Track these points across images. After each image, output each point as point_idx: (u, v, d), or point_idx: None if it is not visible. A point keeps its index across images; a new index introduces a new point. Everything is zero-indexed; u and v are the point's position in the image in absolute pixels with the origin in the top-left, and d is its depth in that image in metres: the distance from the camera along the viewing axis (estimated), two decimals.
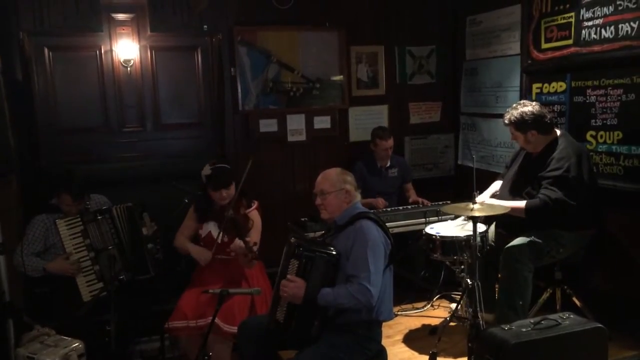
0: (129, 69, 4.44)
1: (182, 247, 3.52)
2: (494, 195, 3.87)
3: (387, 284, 2.83)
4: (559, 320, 2.78)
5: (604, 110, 3.78)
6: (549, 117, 3.58)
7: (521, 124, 3.56)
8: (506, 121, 3.64)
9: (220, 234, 3.33)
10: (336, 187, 2.89)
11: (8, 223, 3.57)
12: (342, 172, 2.98)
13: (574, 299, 3.71)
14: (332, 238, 2.91)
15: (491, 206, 3.47)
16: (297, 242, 2.75)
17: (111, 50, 4.40)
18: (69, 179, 3.56)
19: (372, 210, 2.98)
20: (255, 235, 3.33)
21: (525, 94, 4.48)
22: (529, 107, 3.57)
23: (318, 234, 4.05)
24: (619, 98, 3.67)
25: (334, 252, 2.73)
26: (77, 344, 3.05)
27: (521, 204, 3.48)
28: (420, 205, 4.70)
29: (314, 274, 2.69)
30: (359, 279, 2.63)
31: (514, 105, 3.66)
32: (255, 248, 3.11)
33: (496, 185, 3.96)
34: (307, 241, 2.84)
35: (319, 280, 2.69)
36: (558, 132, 3.65)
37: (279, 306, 2.78)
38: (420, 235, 3.98)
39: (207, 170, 3.43)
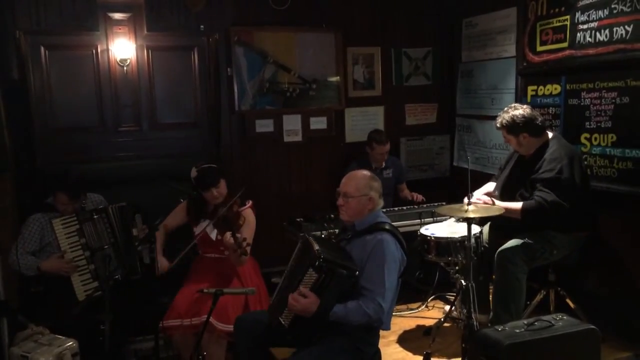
0: (125, 68, 4.44)
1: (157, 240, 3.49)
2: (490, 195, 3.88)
3: (395, 297, 2.81)
4: (553, 322, 2.80)
5: (599, 113, 3.80)
6: (540, 119, 3.60)
7: (513, 127, 3.58)
8: (498, 125, 3.66)
9: (214, 232, 3.35)
10: (361, 192, 2.84)
11: (3, 222, 3.58)
12: (371, 177, 2.92)
13: (568, 300, 3.73)
14: (347, 242, 2.88)
15: (486, 208, 3.48)
16: (319, 252, 2.57)
17: (107, 50, 4.39)
18: (65, 178, 3.56)
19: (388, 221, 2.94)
20: (247, 233, 3.34)
21: (520, 97, 4.50)
22: (519, 110, 3.59)
23: (314, 234, 4.08)
24: (613, 101, 3.69)
25: (355, 268, 2.63)
26: (71, 343, 3.05)
27: (517, 205, 3.49)
28: (415, 200, 4.71)
29: (331, 290, 2.58)
30: (375, 294, 2.61)
31: (505, 108, 3.68)
32: (245, 244, 3.11)
33: (490, 186, 3.97)
34: (327, 249, 2.65)
35: (335, 296, 2.60)
36: (550, 134, 3.67)
37: (286, 310, 2.68)
38: (415, 236, 3.98)
39: (194, 172, 3.47)
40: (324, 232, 4.03)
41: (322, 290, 2.58)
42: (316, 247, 2.62)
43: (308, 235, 2.79)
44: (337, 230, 3.17)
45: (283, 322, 2.70)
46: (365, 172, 2.97)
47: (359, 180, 2.88)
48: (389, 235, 2.76)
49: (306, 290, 2.58)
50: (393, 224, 4.23)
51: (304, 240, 2.78)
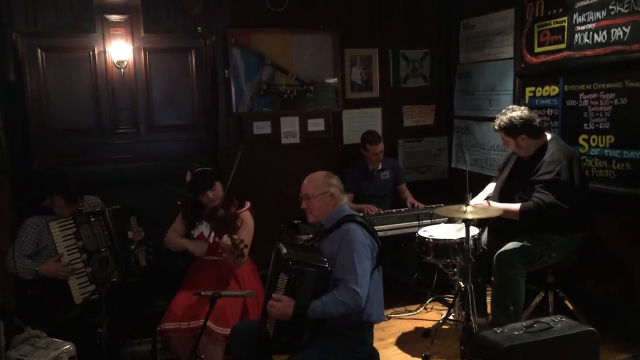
0: (122, 70, 4.43)
1: (174, 243, 3.51)
2: (487, 198, 3.88)
3: (377, 286, 2.82)
4: (551, 324, 2.79)
5: (596, 114, 3.80)
6: (538, 120, 3.60)
7: (511, 129, 3.57)
8: (496, 127, 3.66)
9: (212, 234, 3.34)
10: (321, 191, 2.90)
11: (0, 224, 3.55)
12: (327, 175, 2.98)
13: (566, 302, 3.72)
14: (319, 242, 2.90)
15: (484, 209, 3.47)
16: (287, 255, 2.65)
17: (104, 52, 4.38)
18: (62, 180, 3.55)
19: (360, 214, 2.97)
20: (245, 235, 3.33)
21: (518, 98, 4.50)
22: (517, 111, 3.59)
23: (306, 237, 4.07)
24: (611, 102, 3.69)
25: (325, 265, 2.67)
26: (68, 346, 3.02)
27: (515, 206, 3.49)
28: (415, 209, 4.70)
29: (304, 289, 2.62)
30: (346, 282, 2.62)
31: (503, 110, 3.68)
32: (242, 245, 3.10)
33: (491, 187, 3.97)
34: (296, 251, 2.72)
35: (309, 295, 2.62)
36: (548, 135, 3.66)
37: (269, 319, 2.73)
38: (413, 238, 3.98)
39: (189, 176, 3.46)
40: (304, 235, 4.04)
41: (295, 290, 2.62)
42: (284, 250, 2.68)
43: (280, 243, 2.81)
44: (310, 236, 3.23)
45: (268, 331, 2.72)
46: (322, 172, 3.03)
47: (316, 180, 2.96)
48: (354, 224, 2.79)
49: (279, 295, 2.65)
50: (391, 225, 4.32)
51: (275, 249, 2.80)
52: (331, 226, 2.85)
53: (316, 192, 2.90)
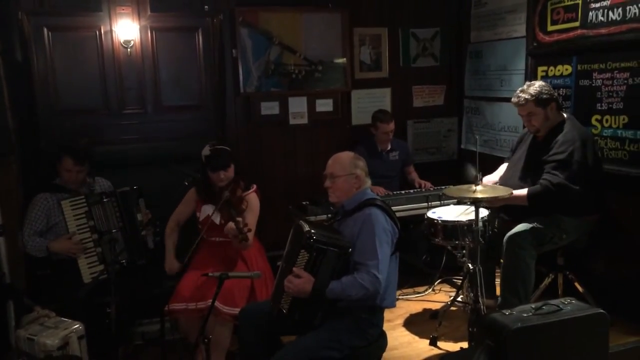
0: (129, 50, 4.39)
1: (166, 238, 3.52)
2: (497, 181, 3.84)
3: (393, 272, 2.81)
4: (561, 306, 2.76)
5: (610, 94, 3.73)
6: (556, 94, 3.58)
7: (541, 98, 3.51)
8: (523, 99, 3.53)
9: (218, 216, 3.33)
10: (346, 171, 2.86)
11: (8, 205, 3.56)
12: (355, 157, 2.95)
13: (576, 284, 3.70)
14: (339, 223, 2.88)
15: (494, 189, 3.43)
16: (309, 233, 2.61)
17: (111, 31, 4.34)
18: (72, 143, 3.54)
19: (379, 197, 2.94)
20: (250, 218, 3.31)
21: (530, 77, 4.42)
22: (540, 82, 3.59)
23: (320, 217, 4.06)
24: (625, 82, 3.62)
25: (347, 246, 2.66)
26: (77, 326, 3.06)
27: (523, 192, 3.44)
28: (423, 189, 4.67)
29: (324, 268, 2.60)
30: (368, 267, 2.60)
31: (523, 87, 3.60)
32: (246, 229, 3.08)
33: (503, 168, 3.92)
34: (318, 230, 2.68)
35: (329, 274, 2.61)
36: (565, 115, 3.61)
37: (284, 295, 2.70)
38: (422, 219, 3.95)
39: (206, 150, 3.43)
40: (329, 215, 4.00)
41: (315, 268, 2.60)
42: (306, 228, 2.64)
43: (301, 220, 2.78)
44: (329, 216, 3.19)
45: (282, 308, 2.70)
46: (349, 152, 3.00)
47: (343, 160, 2.91)
48: (377, 209, 2.76)
49: (300, 270, 2.61)
50: (400, 207, 4.29)
51: (295, 225, 2.79)
52: (352, 208, 2.82)
53: (342, 173, 2.86)
